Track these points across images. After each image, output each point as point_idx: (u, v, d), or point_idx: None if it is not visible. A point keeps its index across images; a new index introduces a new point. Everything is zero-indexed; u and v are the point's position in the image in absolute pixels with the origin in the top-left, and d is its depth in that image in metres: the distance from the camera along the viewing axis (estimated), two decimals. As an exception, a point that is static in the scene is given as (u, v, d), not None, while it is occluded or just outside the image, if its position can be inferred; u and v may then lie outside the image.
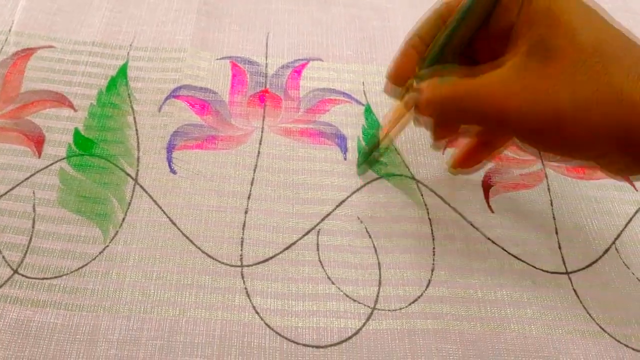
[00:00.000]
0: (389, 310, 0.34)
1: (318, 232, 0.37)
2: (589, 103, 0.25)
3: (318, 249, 0.36)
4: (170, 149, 0.39)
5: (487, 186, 0.39)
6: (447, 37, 0.31)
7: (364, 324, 0.33)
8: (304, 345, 0.32)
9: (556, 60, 0.26)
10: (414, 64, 0.32)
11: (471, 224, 0.38)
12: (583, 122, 0.26)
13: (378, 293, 0.35)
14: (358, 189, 0.39)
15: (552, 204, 0.40)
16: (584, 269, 0.37)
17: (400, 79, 0.33)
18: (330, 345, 0.32)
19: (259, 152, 0.40)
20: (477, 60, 0.32)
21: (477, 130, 0.35)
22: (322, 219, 0.38)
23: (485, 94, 0.28)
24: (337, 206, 0.38)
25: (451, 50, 0.31)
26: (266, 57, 0.46)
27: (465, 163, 0.38)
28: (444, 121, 0.32)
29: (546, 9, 0.27)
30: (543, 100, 0.26)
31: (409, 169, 0.40)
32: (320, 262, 0.36)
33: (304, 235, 0.37)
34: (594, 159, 0.29)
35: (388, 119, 0.35)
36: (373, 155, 0.38)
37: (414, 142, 0.42)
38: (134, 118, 0.40)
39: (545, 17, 0.27)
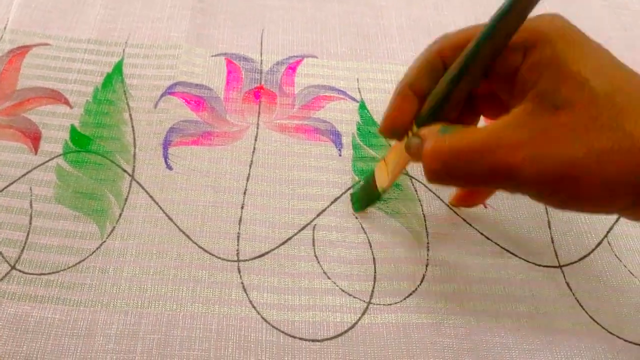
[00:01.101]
0: (384, 304, 0.34)
1: (314, 227, 0.37)
2: (604, 154, 0.23)
3: (314, 244, 0.36)
4: (166, 145, 0.39)
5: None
6: (446, 90, 0.28)
7: (359, 318, 0.34)
8: (301, 339, 0.32)
9: (567, 110, 0.24)
10: (409, 117, 0.31)
11: (464, 220, 0.38)
12: (599, 173, 0.24)
13: (373, 288, 0.35)
14: (352, 186, 0.39)
15: None
16: (576, 262, 0.37)
17: (394, 134, 0.32)
18: (327, 339, 0.33)
19: (254, 148, 0.40)
20: (478, 109, 0.32)
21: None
22: (318, 215, 0.38)
23: (493, 145, 0.25)
24: (332, 202, 0.38)
25: (453, 103, 0.29)
26: (261, 54, 0.46)
27: (467, 201, 0.38)
28: (450, 176, 0.28)
29: (554, 57, 0.25)
30: (555, 152, 0.24)
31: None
32: (316, 257, 0.36)
33: (299, 231, 0.37)
34: (616, 213, 0.27)
35: (386, 162, 0.35)
36: (370, 198, 0.37)
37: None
38: (130, 115, 0.41)
39: (553, 67, 0.25)
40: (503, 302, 0.35)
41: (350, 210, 0.38)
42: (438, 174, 0.27)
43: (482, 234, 0.38)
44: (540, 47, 0.25)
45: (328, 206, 0.38)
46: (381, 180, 0.35)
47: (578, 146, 0.24)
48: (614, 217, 0.40)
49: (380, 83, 0.46)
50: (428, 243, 0.37)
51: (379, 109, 0.44)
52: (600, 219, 0.40)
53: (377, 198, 0.36)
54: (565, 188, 0.25)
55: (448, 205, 0.39)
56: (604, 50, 0.26)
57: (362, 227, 0.38)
